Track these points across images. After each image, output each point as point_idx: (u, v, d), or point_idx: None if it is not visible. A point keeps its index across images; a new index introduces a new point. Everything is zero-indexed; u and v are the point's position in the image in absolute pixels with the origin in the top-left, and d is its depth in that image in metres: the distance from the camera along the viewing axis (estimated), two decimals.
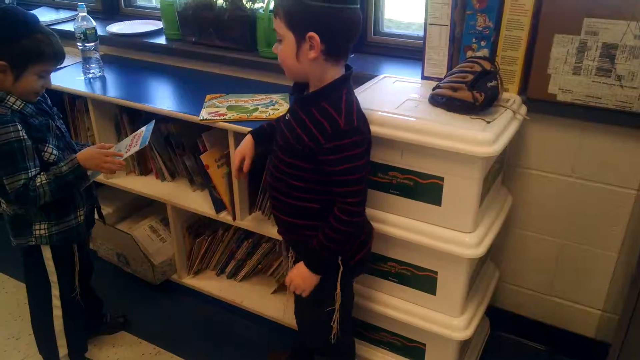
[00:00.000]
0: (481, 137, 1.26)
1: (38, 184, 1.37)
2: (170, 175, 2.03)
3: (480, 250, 1.38)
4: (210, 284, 2.06)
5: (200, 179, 1.93)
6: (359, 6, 1.16)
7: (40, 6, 2.67)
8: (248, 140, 1.49)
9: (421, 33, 1.82)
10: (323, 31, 1.13)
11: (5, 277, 2.20)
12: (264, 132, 1.49)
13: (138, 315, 2.01)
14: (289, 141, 1.25)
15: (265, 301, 1.97)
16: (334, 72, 1.22)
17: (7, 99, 1.38)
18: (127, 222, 2.23)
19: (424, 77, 1.63)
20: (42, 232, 1.48)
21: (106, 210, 2.20)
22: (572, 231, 1.64)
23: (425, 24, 1.57)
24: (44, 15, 2.50)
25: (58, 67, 1.49)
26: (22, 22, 1.36)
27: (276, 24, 1.18)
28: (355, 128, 1.20)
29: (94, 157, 1.46)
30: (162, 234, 2.13)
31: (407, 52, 1.86)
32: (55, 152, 1.45)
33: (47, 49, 1.39)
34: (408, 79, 1.63)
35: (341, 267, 1.34)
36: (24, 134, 1.36)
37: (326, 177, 1.23)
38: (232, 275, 2.07)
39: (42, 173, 1.39)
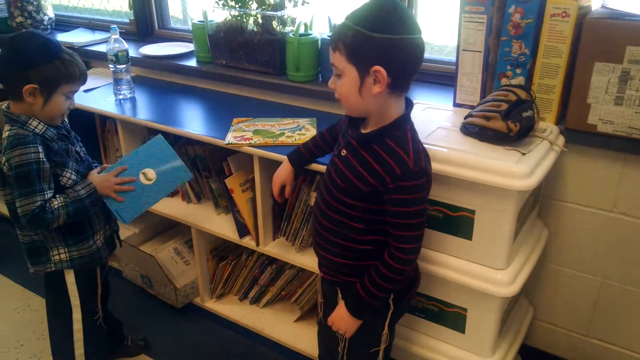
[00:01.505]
0: (516, 169, 1.20)
1: (55, 206, 1.36)
2: (196, 198, 2.02)
3: (513, 289, 1.30)
4: (233, 309, 2.02)
5: (226, 202, 1.91)
6: (421, 34, 1.09)
7: (78, 27, 2.73)
8: (286, 167, 1.46)
9: (453, 58, 1.78)
10: (390, 64, 1.06)
11: (31, 295, 2.21)
12: (302, 156, 1.46)
13: (159, 338, 1.98)
14: (351, 182, 1.18)
15: (288, 329, 1.92)
16: (397, 107, 1.16)
17: (29, 122, 1.38)
18: (152, 243, 2.22)
19: (455, 105, 1.58)
20: (62, 256, 1.47)
21: (132, 230, 2.20)
22: (613, 269, 1.54)
23: (458, 49, 1.52)
24: (80, 37, 2.55)
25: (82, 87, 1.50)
26: (49, 44, 1.38)
27: (335, 57, 1.11)
28: (424, 170, 1.14)
29: (104, 179, 1.47)
30: (186, 257, 2.11)
31: (438, 77, 1.81)
32: (73, 176, 1.44)
33: (75, 70, 1.40)
34: (439, 106, 1.58)
35: (392, 308, 1.27)
36: (44, 157, 1.36)
37: (386, 217, 1.17)
38: (255, 301, 2.03)
39: (58, 195, 1.38)
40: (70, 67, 1.39)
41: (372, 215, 1.19)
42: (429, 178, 1.17)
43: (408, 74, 1.12)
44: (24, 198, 1.33)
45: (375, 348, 1.31)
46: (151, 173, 1.56)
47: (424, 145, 1.19)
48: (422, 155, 1.15)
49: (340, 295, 1.30)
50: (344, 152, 1.21)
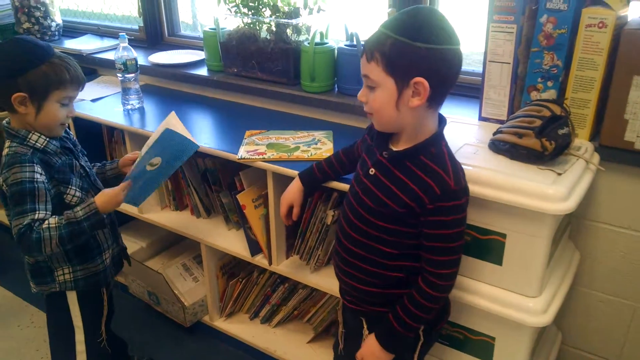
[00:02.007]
0: (552, 191, 1.11)
1: (45, 226, 1.23)
2: (205, 212, 1.94)
3: (546, 318, 1.21)
4: (243, 329, 1.94)
5: (237, 218, 1.83)
6: (460, 46, 1.03)
7: (86, 33, 2.67)
8: (296, 186, 1.37)
9: (477, 69, 1.70)
10: (431, 76, 0.99)
11: (34, 310, 2.14)
12: (315, 177, 1.38)
13: (166, 358, 1.91)
14: (383, 202, 1.09)
15: (301, 351, 1.83)
16: (432, 122, 1.09)
17: (29, 137, 1.31)
18: (160, 257, 2.15)
19: (481, 118, 1.50)
20: (67, 276, 1.40)
21: (139, 244, 2.13)
22: None
23: (485, 60, 1.44)
24: (88, 43, 2.49)
25: (79, 92, 1.40)
26: (36, 49, 1.29)
27: (369, 68, 1.03)
28: (464, 189, 1.07)
29: (112, 199, 1.33)
30: (195, 273, 2.03)
31: (462, 89, 1.72)
32: (78, 193, 1.36)
33: (66, 74, 1.31)
34: (463, 120, 1.50)
35: (422, 339, 1.19)
36: (41, 177, 1.28)
37: (422, 241, 1.10)
38: (266, 320, 1.95)
39: (53, 216, 1.26)
40: (60, 72, 1.30)
41: (405, 238, 1.11)
42: (468, 198, 1.09)
43: (447, 87, 1.05)
44: (16, 218, 1.24)
45: None
46: (156, 159, 1.44)
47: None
48: (460, 173, 1.07)
49: (366, 326, 1.22)
50: (372, 171, 1.13)
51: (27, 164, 1.27)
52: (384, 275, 1.15)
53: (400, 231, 1.10)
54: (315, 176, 1.38)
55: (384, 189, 1.10)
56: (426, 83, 0.99)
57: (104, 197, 1.32)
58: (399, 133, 1.12)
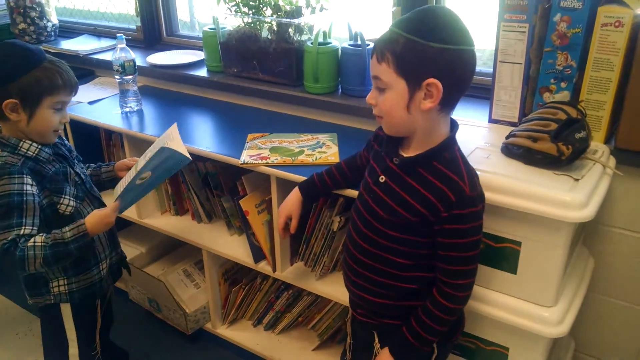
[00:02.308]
0: (570, 198, 1.06)
1: (30, 244, 1.17)
2: (207, 217, 1.89)
3: (563, 329, 1.17)
4: (246, 336, 1.89)
5: (239, 223, 1.79)
6: (475, 46, 0.98)
7: (82, 34, 2.61)
8: (295, 197, 1.33)
9: (485, 69, 1.65)
10: (445, 77, 0.95)
11: (33, 318, 2.09)
12: (315, 188, 1.33)
13: None
14: (395, 211, 1.05)
15: (306, 359, 1.79)
16: (444, 126, 1.04)
17: (20, 145, 1.26)
18: (160, 263, 2.10)
19: (491, 121, 1.45)
20: (62, 288, 1.35)
21: (139, 250, 2.09)
22: None
23: (495, 60, 1.39)
24: (85, 44, 2.44)
25: (73, 97, 1.34)
26: (27, 54, 1.24)
27: (379, 69, 0.99)
28: (480, 195, 1.03)
29: (102, 220, 1.26)
30: (197, 279, 1.98)
31: (471, 89, 1.64)
32: (72, 203, 1.31)
33: (59, 79, 1.26)
34: (473, 122, 1.45)
35: (435, 352, 1.14)
36: (31, 188, 1.22)
37: (437, 250, 1.05)
38: (270, 327, 1.91)
39: (40, 234, 1.20)
40: (52, 77, 1.25)
41: (418, 248, 1.06)
42: (484, 204, 1.05)
43: (462, 89, 1.01)
44: (0, 232, 1.18)
45: None
46: (146, 174, 1.35)
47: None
48: (475, 179, 1.03)
49: (377, 339, 1.17)
50: (382, 179, 1.08)
51: (17, 175, 1.21)
52: (396, 286, 1.10)
53: (412, 241, 1.06)
54: (315, 187, 1.33)
55: (396, 196, 1.05)
56: (439, 84, 0.95)
57: (95, 218, 1.25)
58: (409, 138, 1.07)
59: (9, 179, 1.20)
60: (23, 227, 1.19)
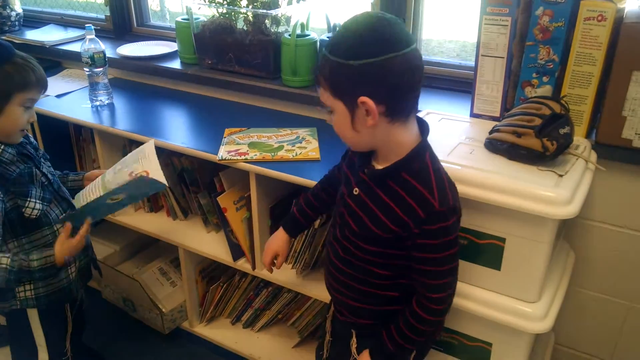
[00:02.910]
0: (555, 195, 1.06)
1: None
2: (182, 214, 1.84)
3: (546, 324, 1.17)
4: (224, 334, 1.86)
5: (216, 219, 1.74)
6: (415, 45, 0.92)
7: (48, 23, 2.51)
8: (281, 237, 1.30)
9: (465, 62, 1.64)
10: (377, 91, 0.91)
11: None
12: (298, 224, 1.31)
13: None
14: (367, 227, 1.02)
15: (286, 356, 1.77)
16: (407, 134, 0.99)
17: None
18: (134, 261, 2.04)
19: (473, 115, 1.44)
20: (28, 293, 1.29)
21: (112, 248, 2.03)
22: None
23: (477, 54, 1.38)
24: (51, 34, 2.34)
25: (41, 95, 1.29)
26: None
27: (321, 94, 0.98)
28: (452, 208, 0.97)
29: (72, 251, 1.24)
30: (173, 277, 1.94)
31: (452, 83, 1.66)
32: (38, 206, 1.24)
33: (32, 75, 1.20)
34: (455, 116, 1.43)
35: (414, 352, 1.13)
36: None
37: (412, 263, 1.02)
38: (249, 325, 1.87)
39: (5, 255, 1.17)
40: (24, 73, 1.19)
41: (396, 260, 1.03)
42: (459, 216, 1.01)
43: (404, 96, 0.94)
44: None
45: None
46: (120, 195, 1.31)
47: (448, 174, 1.02)
48: (448, 191, 0.98)
49: (355, 339, 1.15)
50: (356, 191, 1.05)
51: None
52: (376, 294, 1.08)
53: (388, 253, 1.03)
54: (298, 222, 1.30)
55: (368, 211, 1.02)
56: (369, 101, 0.91)
57: (65, 250, 1.23)
58: (376, 151, 1.03)
59: None
60: None
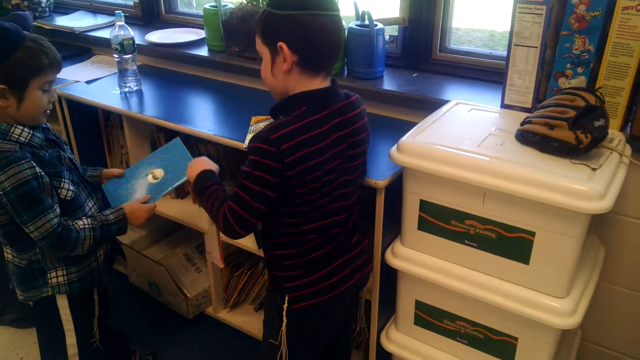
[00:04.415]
0: (588, 189, 1.03)
1: (81, 226, 1.22)
2: None
3: (575, 320, 1.15)
4: (247, 321, 1.88)
5: None
6: (337, 13, 1.09)
7: (77, 10, 2.54)
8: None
9: (495, 51, 1.61)
10: (292, 40, 1.07)
11: None
12: None
13: (168, 351, 1.85)
14: None
15: None
16: (309, 86, 1.12)
17: (11, 131, 1.21)
18: (160, 246, 2.07)
19: (503, 106, 1.41)
20: (60, 279, 1.31)
21: (138, 233, 2.05)
22: None
23: (510, 44, 1.35)
24: (81, 21, 2.37)
25: (58, 75, 1.30)
26: (6, 36, 1.17)
27: (256, 42, 1.14)
28: (269, 140, 1.06)
29: (138, 212, 1.34)
30: (198, 263, 1.96)
31: (479, 72, 1.63)
32: (71, 187, 1.27)
33: (44, 58, 1.21)
34: (485, 107, 1.41)
35: (285, 320, 1.24)
36: (40, 171, 1.19)
37: None
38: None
39: (85, 217, 1.26)
40: (37, 57, 1.20)
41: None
42: (275, 156, 1.06)
43: (316, 52, 1.09)
44: (37, 219, 1.17)
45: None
46: (159, 172, 1.44)
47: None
48: (280, 132, 1.07)
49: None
50: None
51: (24, 161, 1.17)
52: None
53: None
54: None
55: None
56: (285, 46, 1.06)
57: (133, 208, 1.34)
58: None
59: (18, 166, 1.16)
60: (55, 208, 1.20)
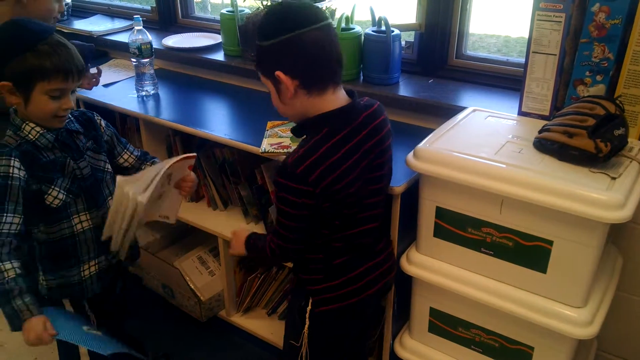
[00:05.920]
0: (607, 198, 1.03)
1: (6, 268, 1.12)
2: (222, 204, 1.86)
3: (592, 330, 1.14)
4: (260, 325, 1.88)
5: (255, 211, 1.76)
6: (324, 23, 1.05)
7: (96, 14, 2.57)
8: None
9: (513, 58, 1.61)
10: (287, 66, 1.05)
11: None
12: None
13: (181, 353, 1.86)
14: None
15: None
16: (325, 104, 1.10)
17: (22, 127, 1.21)
18: (174, 249, 2.08)
19: (521, 113, 1.41)
20: (42, 281, 1.30)
21: (153, 236, 2.07)
22: None
23: (528, 51, 1.34)
24: (99, 25, 2.40)
25: (72, 83, 1.21)
26: (24, 35, 1.15)
27: (260, 76, 1.13)
28: (294, 175, 1.05)
29: (32, 337, 1.12)
30: (212, 267, 1.96)
31: (495, 79, 1.63)
32: (61, 196, 1.23)
33: (47, 61, 1.15)
34: (502, 114, 1.40)
35: (307, 322, 1.24)
36: (17, 172, 1.16)
37: None
38: (285, 317, 1.89)
39: (19, 267, 1.13)
40: (43, 60, 1.14)
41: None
42: (303, 190, 1.06)
43: (315, 69, 1.06)
44: None
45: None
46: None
47: (327, 158, 1.07)
48: (305, 162, 1.05)
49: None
50: None
51: (4, 157, 1.16)
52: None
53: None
54: None
55: None
56: (283, 75, 1.05)
57: (33, 325, 1.12)
58: None
59: None
60: (4, 215, 1.14)
